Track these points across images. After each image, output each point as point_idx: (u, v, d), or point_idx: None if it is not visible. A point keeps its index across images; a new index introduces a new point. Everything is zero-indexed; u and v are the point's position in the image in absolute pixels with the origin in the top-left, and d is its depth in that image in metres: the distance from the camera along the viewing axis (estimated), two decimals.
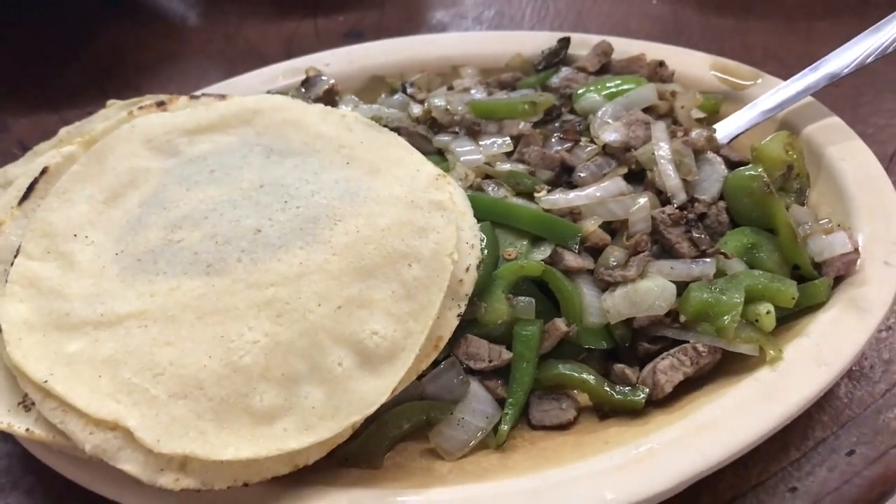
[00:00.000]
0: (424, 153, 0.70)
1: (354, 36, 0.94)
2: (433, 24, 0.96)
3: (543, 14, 0.96)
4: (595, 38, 0.82)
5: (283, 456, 0.53)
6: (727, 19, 0.96)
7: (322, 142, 0.67)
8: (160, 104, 0.72)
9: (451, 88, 0.79)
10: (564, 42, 0.82)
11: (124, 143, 0.68)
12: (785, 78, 0.78)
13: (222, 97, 0.73)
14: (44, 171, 0.67)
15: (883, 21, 0.76)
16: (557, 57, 0.81)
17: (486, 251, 0.62)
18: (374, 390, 0.55)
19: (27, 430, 0.54)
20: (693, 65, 0.81)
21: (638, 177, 0.69)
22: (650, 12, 0.96)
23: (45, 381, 0.54)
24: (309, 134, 0.68)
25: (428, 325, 0.57)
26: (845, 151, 0.73)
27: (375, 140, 0.67)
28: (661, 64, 0.80)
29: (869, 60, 0.75)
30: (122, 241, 0.62)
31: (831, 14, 0.96)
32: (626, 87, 0.75)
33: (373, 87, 0.82)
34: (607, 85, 0.75)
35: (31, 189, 0.66)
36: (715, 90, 0.80)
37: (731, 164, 0.70)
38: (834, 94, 0.79)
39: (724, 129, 0.75)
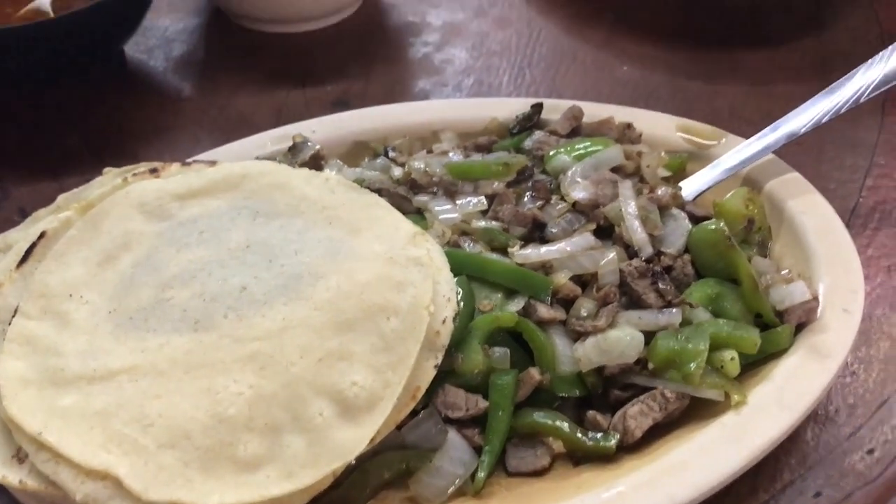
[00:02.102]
0: (404, 212, 0.74)
1: (341, 104, 0.98)
2: (416, 92, 1.00)
3: (520, 81, 1.01)
4: (567, 103, 0.87)
5: (267, 503, 0.55)
6: (695, 83, 1.00)
7: (306, 204, 0.71)
8: (153, 171, 0.76)
9: (430, 152, 0.83)
10: (537, 108, 0.86)
11: (119, 209, 0.72)
12: (749, 137, 0.82)
13: (212, 163, 0.77)
14: (42, 236, 0.71)
15: (836, 83, 0.81)
16: (531, 121, 0.86)
17: (462, 304, 0.65)
18: (353, 439, 0.57)
19: (20, 481, 0.57)
20: (659, 126, 0.86)
21: (606, 232, 0.73)
22: (621, 77, 1.01)
23: (40, 434, 0.56)
24: (294, 196, 0.71)
25: (405, 376, 0.59)
26: (805, 205, 0.76)
27: (357, 201, 0.71)
28: (629, 126, 0.84)
29: (825, 120, 0.79)
30: (115, 300, 0.66)
31: (794, 76, 1.01)
32: (594, 148, 0.79)
33: (357, 151, 0.86)
34: (577, 147, 0.80)
35: (29, 253, 0.70)
36: (680, 149, 0.84)
37: (696, 219, 0.74)
38: (797, 152, 0.83)
39: (690, 187, 0.79)
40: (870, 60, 0.81)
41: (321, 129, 0.87)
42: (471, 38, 1.08)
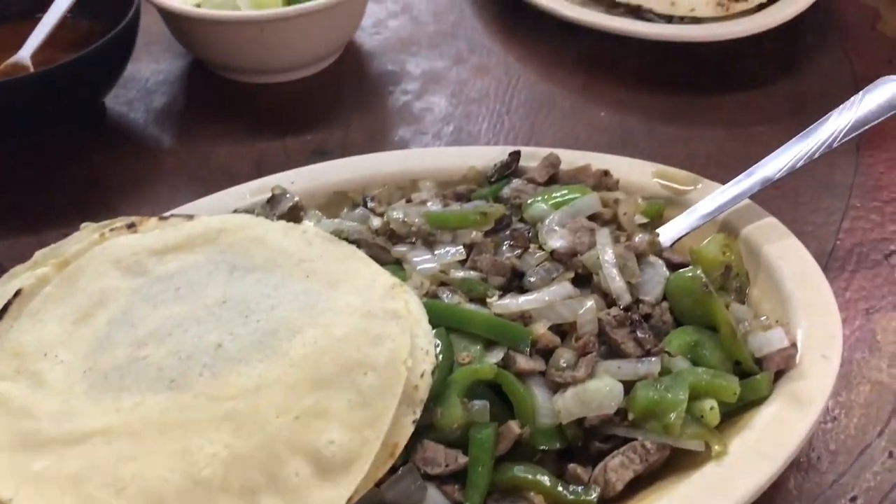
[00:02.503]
0: (383, 263, 0.74)
1: (321, 154, 0.99)
2: (396, 140, 1.01)
3: (499, 128, 1.02)
4: (544, 151, 0.87)
5: None
6: (671, 128, 1.01)
7: (283, 257, 0.70)
8: (131, 226, 0.75)
9: (409, 201, 0.83)
10: (515, 155, 0.87)
11: (95, 265, 0.71)
12: (725, 182, 0.83)
13: (190, 217, 0.77)
14: (17, 294, 0.70)
15: (810, 128, 0.82)
16: (509, 169, 0.86)
17: (440, 356, 0.65)
18: (330, 499, 0.56)
19: None
20: (636, 172, 0.86)
21: (585, 280, 0.73)
22: (598, 124, 1.02)
23: (10, 501, 0.55)
24: (271, 250, 0.71)
25: (383, 433, 0.59)
26: (782, 250, 0.77)
27: (335, 253, 0.71)
28: (606, 173, 0.85)
29: (799, 165, 0.80)
30: (90, 358, 0.65)
31: (769, 120, 1.02)
32: (571, 196, 0.79)
33: (336, 201, 0.86)
34: (554, 195, 0.80)
35: (4, 311, 0.69)
36: (657, 196, 0.84)
37: (673, 266, 0.74)
38: (774, 196, 0.84)
39: (667, 233, 0.80)
40: (842, 105, 0.82)
41: (300, 179, 0.87)
42: (450, 85, 1.09)
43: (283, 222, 0.75)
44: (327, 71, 1.11)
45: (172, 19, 1.03)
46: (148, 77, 1.10)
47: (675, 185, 0.85)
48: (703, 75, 1.09)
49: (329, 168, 0.88)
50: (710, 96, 1.06)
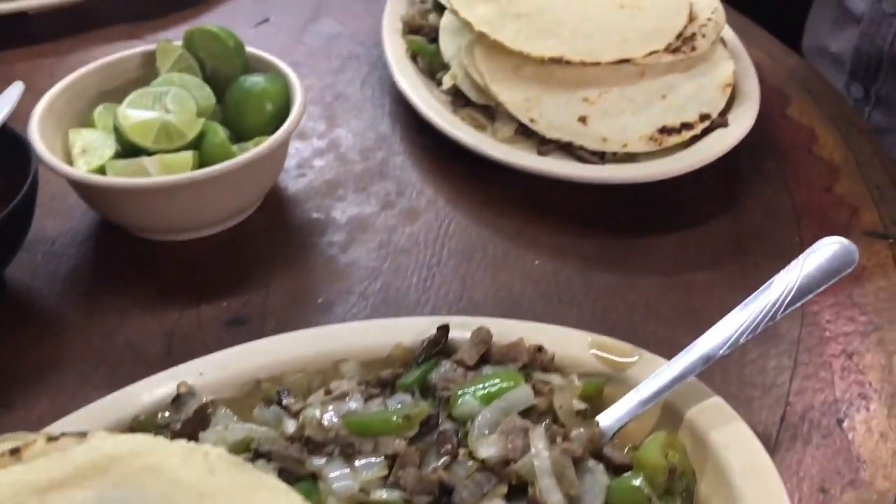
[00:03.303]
0: (297, 478, 0.68)
1: (238, 323, 0.92)
2: (319, 302, 0.95)
3: (429, 283, 0.97)
4: (475, 321, 0.82)
5: None
6: (609, 276, 0.97)
7: (181, 493, 0.63)
8: (14, 452, 0.67)
9: (328, 392, 0.77)
10: (444, 330, 0.81)
11: None
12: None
13: (83, 435, 0.69)
14: None
15: (751, 298, 0.78)
16: (438, 346, 0.80)
17: None
18: None
19: None
20: (572, 345, 0.81)
21: (520, 491, 0.67)
22: (532, 273, 0.98)
23: None
24: (168, 482, 0.64)
25: None
26: (729, 437, 0.72)
27: (238, 482, 0.64)
28: (540, 349, 0.80)
29: (742, 340, 0.76)
30: None
31: (709, 264, 0.99)
32: (503, 385, 0.74)
33: (250, 392, 0.79)
34: (485, 385, 0.74)
35: None
36: (595, 371, 0.79)
37: (615, 468, 0.69)
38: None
39: (608, 419, 0.74)
40: (784, 270, 0.78)
41: (209, 370, 0.80)
42: (378, 233, 1.04)
43: (183, 444, 0.67)
44: (247, 222, 1.05)
45: (76, 186, 0.96)
46: (55, 238, 1.03)
47: (614, 358, 0.80)
48: (639, 214, 1.05)
49: (242, 354, 0.82)
50: (648, 237, 1.02)
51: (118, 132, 0.98)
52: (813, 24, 1.66)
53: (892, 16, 1.42)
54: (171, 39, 1.11)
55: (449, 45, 1.19)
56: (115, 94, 1.07)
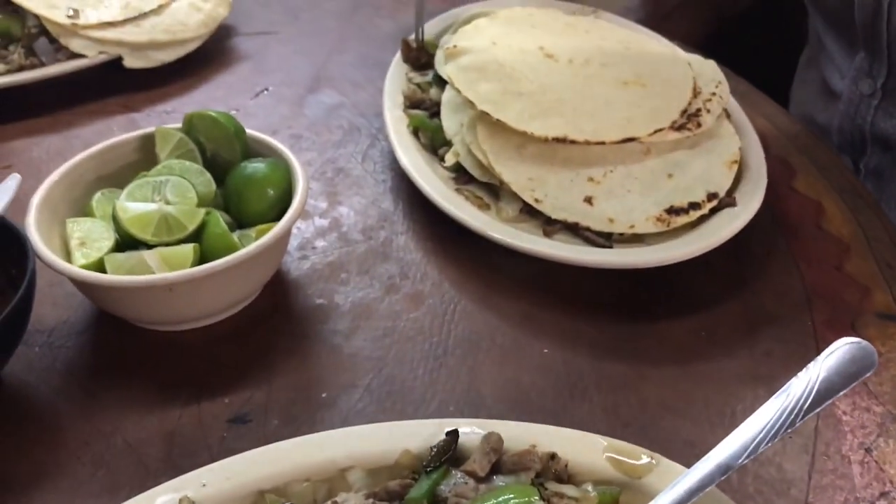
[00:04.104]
0: None
1: (240, 422, 0.90)
2: (323, 397, 0.93)
3: (435, 375, 0.95)
4: (487, 423, 0.80)
5: None
6: (619, 365, 0.95)
7: None
8: None
9: None
10: (453, 436, 0.79)
11: None
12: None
13: None
14: None
15: (769, 403, 0.75)
16: (447, 453, 0.78)
17: None
18: None
19: None
20: (587, 450, 0.78)
21: None
22: (542, 363, 0.95)
23: None
24: None
25: None
26: None
27: None
28: (553, 456, 0.77)
29: (761, 449, 0.73)
30: None
31: (722, 352, 0.97)
32: (516, 501, 0.71)
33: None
34: (497, 499, 0.71)
35: None
36: (611, 478, 0.77)
37: None
38: (726, 487, 0.76)
39: None
40: (801, 374, 0.76)
41: (212, 480, 0.77)
42: (382, 320, 1.02)
43: None
44: (249, 308, 1.03)
45: (76, 281, 0.94)
46: (52, 328, 1.01)
47: (631, 462, 0.78)
48: (648, 296, 1.03)
49: (245, 463, 0.79)
50: (659, 322, 1.00)
51: (117, 224, 0.96)
52: (798, 93, 1.66)
53: (869, 97, 1.41)
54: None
55: (451, 122, 1.18)
56: (113, 178, 1.06)
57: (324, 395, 0.93)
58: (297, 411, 0.91)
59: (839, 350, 0.77)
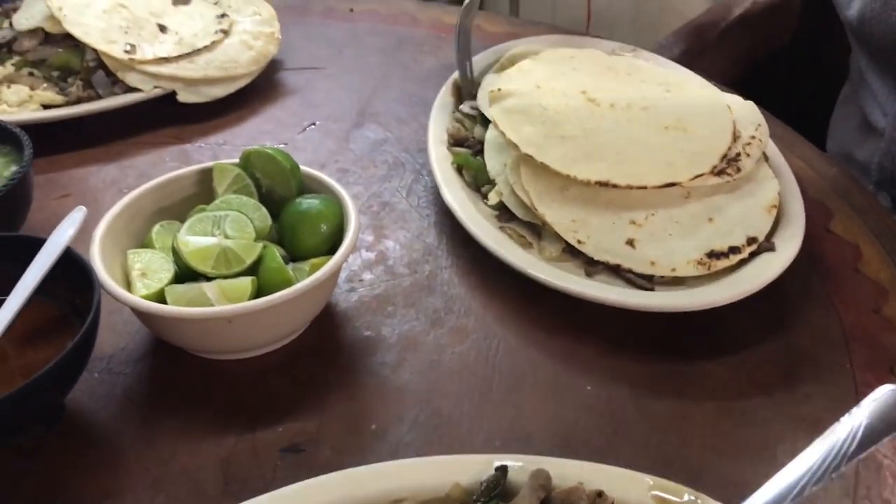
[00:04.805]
0: None
1: (293, 451, 0.93)
2: (373, 429, 0.96)
3: (481, 409, 0.97)
4: (533, 460, 0.82)
5: None
6: (661, 404, 0.97)
7: None
8: None
9: None
10: (502, 471, 0.81)
11: None
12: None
13: None
14: None
15: (809, 449, 0.77)
16: (496, 488, 0.81)
17: None
18: None
19: None
20: (632, 490, 0.81)
21: None
22: (586, 400, 0.98)
23: None
24: None
25: None
26: None
27: None
28: (601, 494, 0.80)
29: (806, 492, 0.75)
30: None
31: (761, 392, 0.99)
32: None
33: None
34: None
35: None
36: None
37: None
38: None
39: None
40: (842, 420, 0.78)
41: None
42: (427, 353, 1.05)
43: None
44: (299, 340, 1.06)
45: (137, 311, 0.98)
46: (111, 355, 1.05)
47: (674, 499, 0.80)
48: (689, 337, 1.06)
49: (297, 493, 0.82)
50: (699, 361, 1.03)
51: (177, 256, 1.00)
52: (837, 130, 1.68)
53: None
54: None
55: (494, 162, 1.21)
56: (171, 210, 1.10)
57: (373, 426, 0.96)
58: (347, 442, 0.94)
59: (883, 396, 0.79)
